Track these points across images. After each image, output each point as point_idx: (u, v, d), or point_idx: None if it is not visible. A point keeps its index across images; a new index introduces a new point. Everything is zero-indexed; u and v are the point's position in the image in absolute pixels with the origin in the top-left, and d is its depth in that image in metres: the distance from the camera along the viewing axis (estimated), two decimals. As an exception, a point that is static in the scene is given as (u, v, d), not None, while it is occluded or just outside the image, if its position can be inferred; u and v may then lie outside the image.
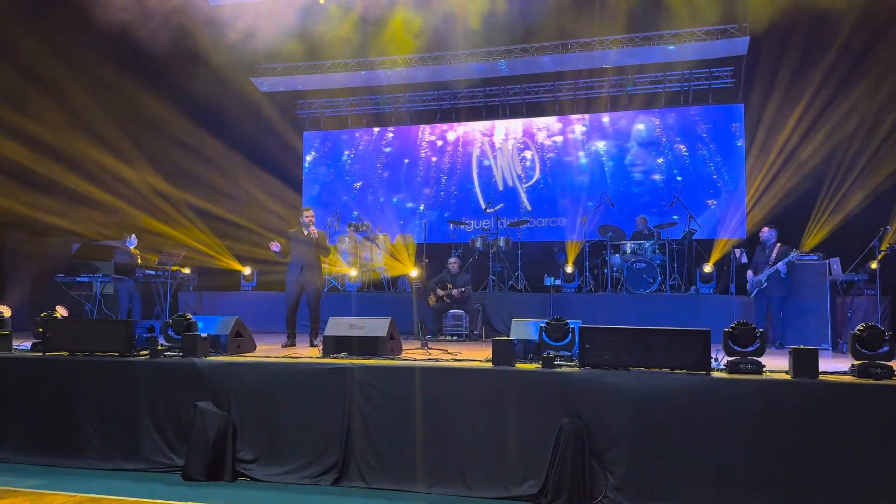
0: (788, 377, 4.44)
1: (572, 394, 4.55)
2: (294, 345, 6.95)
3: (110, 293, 9.60)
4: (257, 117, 13.10)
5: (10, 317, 9.27)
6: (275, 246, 7.08)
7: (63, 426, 5.26)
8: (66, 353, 5.52)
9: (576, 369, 4.71)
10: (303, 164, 13.98)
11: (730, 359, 4.66)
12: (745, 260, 8.40)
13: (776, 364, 4.88)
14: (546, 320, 5.11)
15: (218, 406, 5.05)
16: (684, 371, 4.55)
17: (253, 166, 12.90)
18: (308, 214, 7.26)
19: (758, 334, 4.65)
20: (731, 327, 4.69)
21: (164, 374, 5.21)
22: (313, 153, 14.06)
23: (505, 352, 4.88)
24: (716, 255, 10.20)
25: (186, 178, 12.28)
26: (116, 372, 5.27)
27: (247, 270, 11.28)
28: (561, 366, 4.78)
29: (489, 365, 4.90)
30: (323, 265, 7.43)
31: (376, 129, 13.78)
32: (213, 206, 12.49)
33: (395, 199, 13.52)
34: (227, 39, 10.54)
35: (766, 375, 4.53)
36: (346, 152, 13.92)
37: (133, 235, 9.71)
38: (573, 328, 4.99)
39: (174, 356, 5.35)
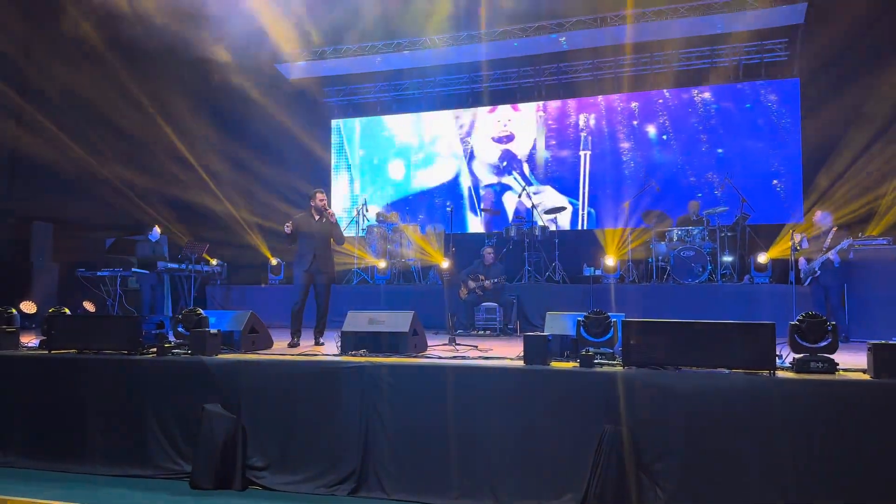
0: (867, 377, 3.88)
1: (615, 397, 4.05)
2: (298, 344, 6.25)
3: (135, 287, 9.38)
4: (284, 105, 12.78)
5: (36, 313, 9.13)
6: (288, 228, 6.56)
7: (68, 429, 4.98)
8: (74, 351, 5.25)
9: (619, 369, 4.20)
10: (330, 152, 13.64)
11: (797, 356, 4.07)
12: (805, 245, 7.70)
13: (846, 361, 4.26)
14: (584, 313, 4.59)
15: (227, 408, 4.69)
16: (744, 370, 3.98)
17: (279, 156, 12.59)
18: (321, 197, 6.66)
19: (829, 328, 4.06)
20: (799, 320, 4.10)
21: (170, 373, 4.88)
22: (340, 141, 13.70)
23: (538, 349, 4.39)
24: (775, 250, 9.32)
25: (213, 168, 12.06)
26: (122, 371, 4.96)
27: (274, 261, 11.04)
28: (602, 365, 4.30)
29: (521, 363, 4.42)
30: (335, 255, 6.85)
31: (404, 115, 13.34)
32: (240, 194, 12.27)
33: (423, 188, 13.06)
34: (254, 27, 10.23)
35: (840, 375, 3.97)
36: (374, 140, 13.51)
37: (157, 228, 9.46)
38: (615, 322, 4.50)
39: (183, 353, 5.01)
